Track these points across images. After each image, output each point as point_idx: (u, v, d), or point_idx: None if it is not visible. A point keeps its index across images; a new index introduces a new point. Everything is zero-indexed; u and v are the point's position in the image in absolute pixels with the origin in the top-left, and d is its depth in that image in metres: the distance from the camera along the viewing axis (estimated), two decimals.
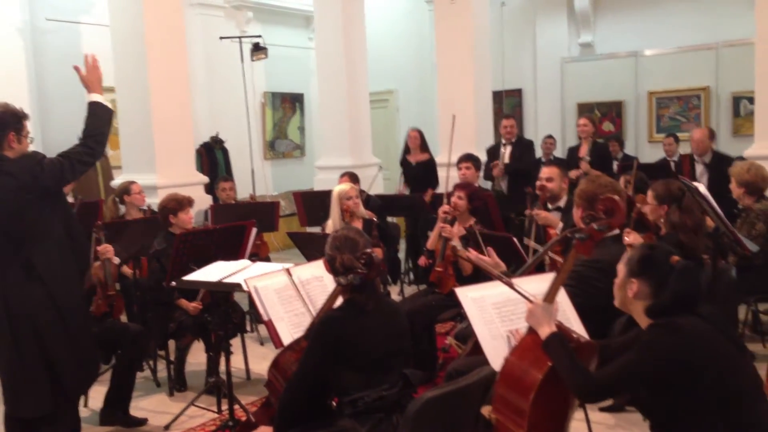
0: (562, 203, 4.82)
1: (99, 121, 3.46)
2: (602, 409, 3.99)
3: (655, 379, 2.23)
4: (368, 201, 6.88)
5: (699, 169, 6.29)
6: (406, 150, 7.91)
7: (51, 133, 8.19)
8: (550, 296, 2.54)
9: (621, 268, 2.43)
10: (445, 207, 4.76)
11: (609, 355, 2.46)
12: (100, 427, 4.18)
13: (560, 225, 4.68)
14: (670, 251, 2.37)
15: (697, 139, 6.39)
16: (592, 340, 2.63)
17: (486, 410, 2.48)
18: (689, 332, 2.22)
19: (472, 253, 3.56)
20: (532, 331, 2.50)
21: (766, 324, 5.24)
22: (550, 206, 4.88)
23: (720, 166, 6.28)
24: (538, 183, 4.91)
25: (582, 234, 2.54)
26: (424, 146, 7.81)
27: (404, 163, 7.91)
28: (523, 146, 7.48)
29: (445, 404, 2.32)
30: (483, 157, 7.32)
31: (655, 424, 2.38)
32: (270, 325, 3.18)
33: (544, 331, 2.43)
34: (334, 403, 2.75)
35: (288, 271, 3.37)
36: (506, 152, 7.36)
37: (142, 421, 4.23)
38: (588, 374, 2.31)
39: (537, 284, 2.87)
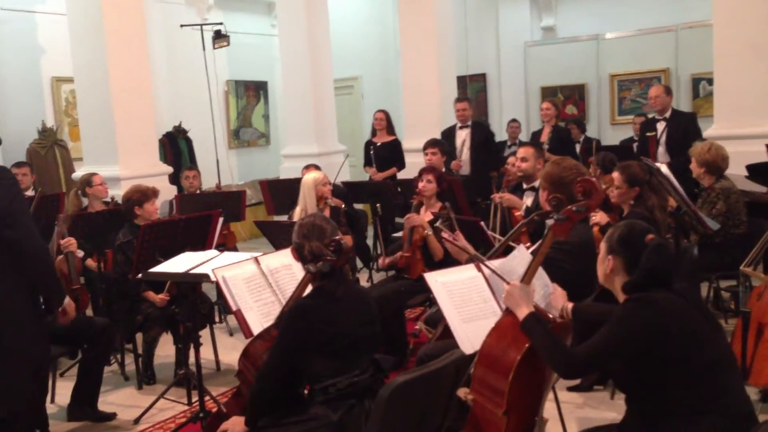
0: (536, 184, 4.86)
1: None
2: (570, 389, 4.05)
3: (631, 352, 2.28)
4: (333, 189, 6.85)
5: (660, 126, 6.35)
6: (373, 132, 7.89)
7: (8, 122, 8.00)
8: (527, 278, 2.58)
9: (602, 245, 2.50)
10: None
11: (585, 319, 2.52)
12: (69, 423, 4.12)
13: (524, 206, 4.73)
14: (648, 229, 2.43)
15: (654, 96, 6.46)
16: (566, 321, 2.67)
17: (462, 392, 2.51)
18: (663, 305, 2.28)
19: (445, 235, 3.57)
20: (509, 313, 2.54)
21: (727, 301, 5.36)
22: (525, 185, 4.94)
23: (679, 120, 6.37)
24: (510, 162, 4.97)
25: (560, 216, 2.58)
26: (390, 128, 7.79)
27: (369, 144, 7.88)
28: (482, 130, 7.47)
29: (417, 388, 2.34)
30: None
31: (631, 397, 2.43)
32: (239, 315, 3.16)
33: (522, 311, 2.47)
34: (305, 391, 2.75)
35: (256, 260, 3.34)
36: (463, 135, 7.36)
37: (111, 416, 4.17)
38: (567, 351, 2.36)
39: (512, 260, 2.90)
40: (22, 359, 3.17)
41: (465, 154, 7.29)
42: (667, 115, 6.38)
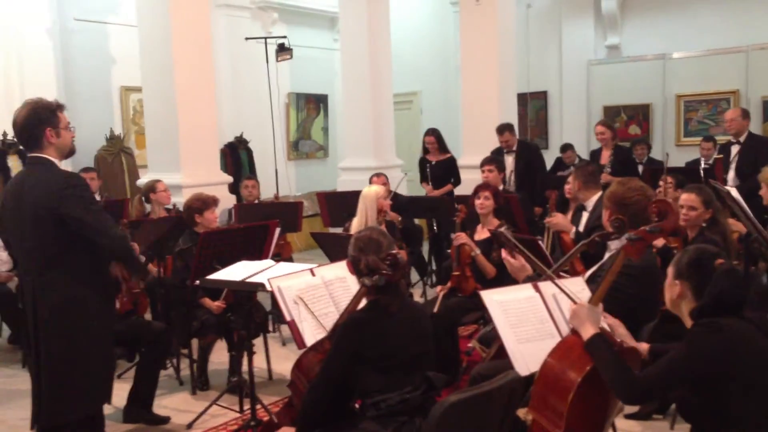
0: (586, 204, 4.77)
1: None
2: (628, 417, 3.93)
3: (697, 378, 2.22)
4: (396, 199, 6.87)
5: (734, 150, 6.17)
6: (425, 150, 7.86)
7: (79, 132, 8.22)
8: (595, 298, 2.53)
9: (670, 270, 2.44)
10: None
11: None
12: (124, 425, 4.20)
13: (573, 230, 4.64)
14: (717, 254, 2.37)
15: (729, 118, 6.29)
16: (636, 347, 2.59)
17: (521, 412, 2.46)
18: (731, 332, 2.21)
19: (502, 254, 3.52)
20: (574, 332, 2.49)
21: None
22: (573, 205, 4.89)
23: (753, 144, 6.18)
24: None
25: (634, 236, 2.51)
26: (442, 148, 7.72)
27: (423, 161, 7.85)
28: (525, 153, 7.34)
29: (469, 409, 2.29)
30: None
31: (696, 427, 2.35)
32: (293, 326, 3.17)
33: (588, 331, 2.42)
34: (357, 405, 2.73)
35: (312, 271, 3.35)
36: (510, 161, 7.25)
37: (165, 420, 4.24)
38: (631, 374, 2.30)
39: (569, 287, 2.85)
40: (100, 358, 3.28)
41: (512, 180, 7.19)
42: (742, 138, 6.18)
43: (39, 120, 3.17)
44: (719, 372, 2.18)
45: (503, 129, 7.42)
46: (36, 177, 3.16)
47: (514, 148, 7.35)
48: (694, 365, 2.21)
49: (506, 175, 7.09)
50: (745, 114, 6.36)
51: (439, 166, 7.71)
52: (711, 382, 2.19)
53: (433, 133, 7.75)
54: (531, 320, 2.80)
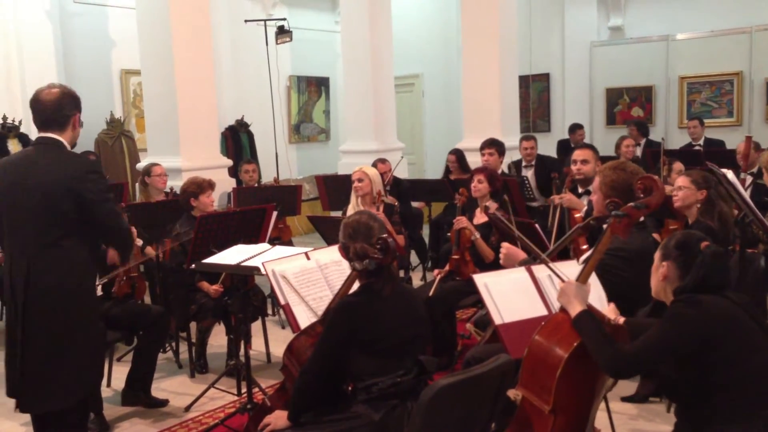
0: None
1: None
2: (624, 399, 3.94)
3: (678, 351, 2.28)
4: (399, 184, 6.84)
5: (748, 181, 6.00)
6: (447, 170, 7.62)
7: None
8: (583, 276, 2.55)
9: (657, 253, 2.49)
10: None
11: (638, 333, 2.50)
12: (122, 407, 4.22)
13: (585, 208, 4.61)
14: (702, 237, 2.42)
15: (744, 155, 6.10)
16: (623, 324, 2.61)
17: (512, 393, 2.49)
18: (709, 306, 2.28)
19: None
20: (562, 310, 2.52)
21: None
22: (580, 190, 4.83)
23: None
24: (572, 166, 4.88)
25: (620, 212, 2.51)
26: (463, 167, 7.45)
27: (447, 178, 7.64)
28: (544, 166, 7.17)
29: (460, 392, 2.29)
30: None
31: (679, 404, 2.42)
32: (287, 309, 3.17)
33: (575, 308, 2.45)
34: (349, 389, 2.74)
35: (307, 255, 3.35)
36: (528, 175, 7.09)
37: (163, 403, 4.26)
38: (616, 348, 2.34)
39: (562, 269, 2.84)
40: (89, 346, 3.21)
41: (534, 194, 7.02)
42: (755, 170, 6.02)
43: (75, 104, 3.15)
44: (698, 344, 2.25)
45: (531, 137, 7.33)
46: (52, 157, 3.06)
47: (533, 163, 7.20)
48: (675, 338, 2.28)
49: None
50: (757, 146, 6.22)
51: (458, 182, 7.48)
52: (691, 356, 2.26)
53: (455, 152, 7.54)
54: (522, 299, 2.81)
